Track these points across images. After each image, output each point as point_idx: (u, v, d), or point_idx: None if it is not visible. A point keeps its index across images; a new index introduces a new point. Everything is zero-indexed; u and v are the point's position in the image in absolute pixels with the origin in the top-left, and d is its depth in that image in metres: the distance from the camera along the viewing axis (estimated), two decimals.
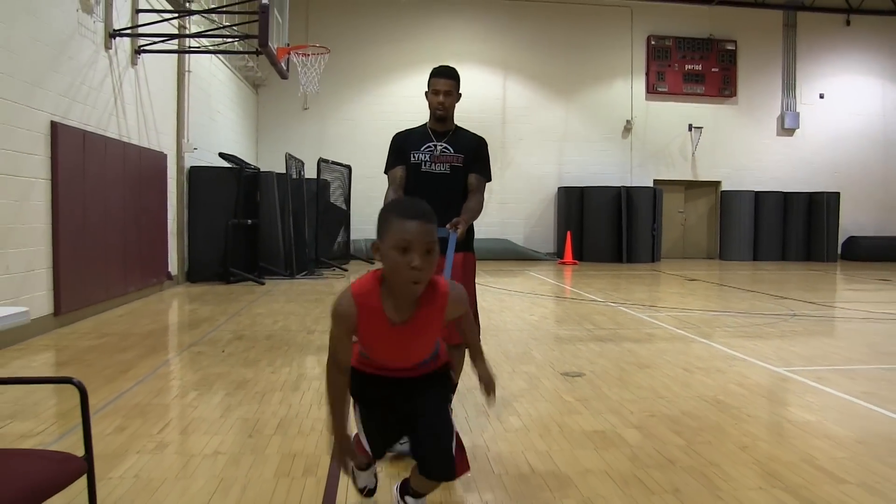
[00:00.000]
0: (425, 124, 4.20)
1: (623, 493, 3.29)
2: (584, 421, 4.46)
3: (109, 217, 8.92)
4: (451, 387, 2.81)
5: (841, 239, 21.84)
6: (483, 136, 4.28)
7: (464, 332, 2.82)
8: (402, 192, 4.00)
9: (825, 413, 4.68)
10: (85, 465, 2.26)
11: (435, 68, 4.13)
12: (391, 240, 2.27)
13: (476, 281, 4.20)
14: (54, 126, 7.49)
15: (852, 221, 22.06)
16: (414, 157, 4.08)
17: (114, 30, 8.99)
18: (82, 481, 2.29)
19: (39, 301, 7.17)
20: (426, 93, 4.12)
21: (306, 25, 18.82)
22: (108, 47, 8.96)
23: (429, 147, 4.09)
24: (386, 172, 4.16)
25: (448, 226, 3.66)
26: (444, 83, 4.05)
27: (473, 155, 4.13)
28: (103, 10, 8.76)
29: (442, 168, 4.06)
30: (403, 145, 4.14)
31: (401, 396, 2.62)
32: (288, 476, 3.44)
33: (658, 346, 7.13)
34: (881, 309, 10.19)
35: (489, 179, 4.21)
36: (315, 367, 5.91)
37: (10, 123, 6.69)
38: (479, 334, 3.04)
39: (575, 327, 8.25)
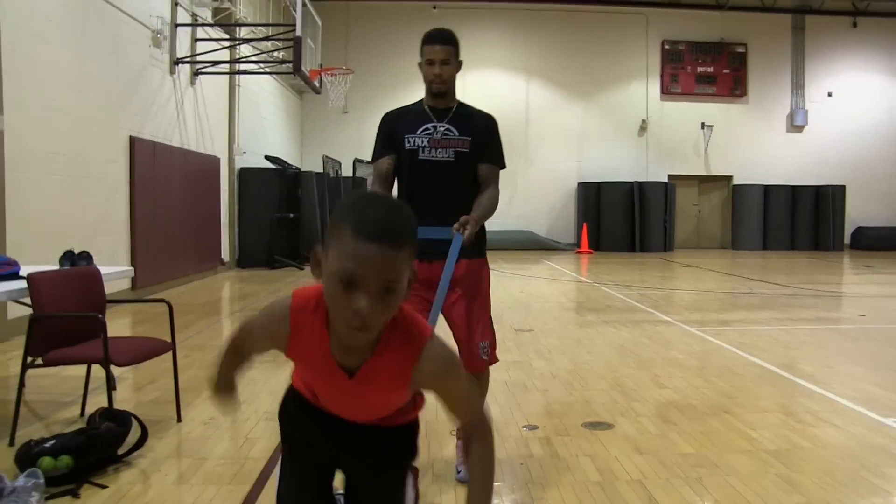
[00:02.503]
0: (421, 101, 3.43)
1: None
2: (511, 363, 6.27)
3: (173, 212, 10.97)
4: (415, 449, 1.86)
5: (849, 230, 23.05)
6: (492, 114, 3.49)
7: (465, 428, 1.71)
8: (388, 189, 3.34)
9: (691, 351, 6.46)
10: (171, 346, 4.18)
11: (426, 33, 3.37)
12: (334, 262, 1.41)
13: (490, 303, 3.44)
14: (132, 140, 9.55)
15: (861, 213, 23.18)
16: (409, 141, 3.30)
17: (177, 58, 11.03)
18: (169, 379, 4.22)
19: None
20: (419, 64, 3.35)
21: (346, 34, 20.80)
22: (172, 73, 11.01)
23: (427, 129, 3.31)
24: (371, 163, 3.45)
25: (455, 226, 2.97)
26: (440, 50, 3.29)
27: (483, 138, 3.37)
28: (169, 44, 10.78)
29: (444, 154, 3.29)
30: (395, 128, 3.37)
31: (345, 451, 1.82)
32: None
33: (608, 314, 8.90)
34: (831, 288, 11.77)
35: (503, 167, 3.44)
36: None
37: (100, 139, 8.71)
38: (484, 416, 1.72)
39: (548, 299, 10.05)
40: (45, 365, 3.64)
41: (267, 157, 15.41)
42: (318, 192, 15.72)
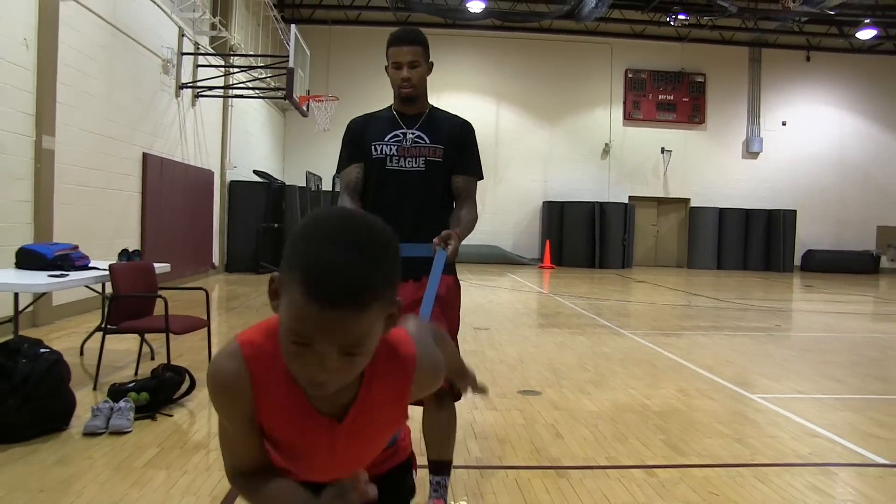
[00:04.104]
0: (390, 107, 3.23)
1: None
2: (467, 352, 7.60)
3: (175, 220, 12.20)
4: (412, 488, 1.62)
5: (800, 252, 24.64)
6: (468, 121, 3.28)
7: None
8: (357, 200, 3.10)
9: (618, 347, 7.84)
10: (207, 322, 5.47)
11: (392, 34, 3.14)
12: (284, 315, 1.11)
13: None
14: (144, 156, 10.80)
15: (810, 236, 24.79)
16: (376, 149, 3.10)
17: (182, 83, 12.29)
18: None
19: None
20: (385, 67, 3.15)
21: (328, 56, 22.15)
22: (177, 96, 12.27)
23: (396, 136, 3.11)
24: (337, 173, 3.21)
25: (435, 240, 2.65)
26: (407, 51, 3.06)
27: (457, 146, 3.15)
28: (175, 71, 12.04)
29: (414, 164, 3.08)
30: (361, 135, 3.16)
31: None
32: None
33: (556, 318, 10.28)
34: (763, 304, 13.24)
35: (481, 177, 3.22)
36: None
37: (118, 155, 9.96)
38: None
39: (506, 306, 11.41)
40: (118, 332, 4.93)
41: (255, 172, 16.69)
42: (301, 204, 17.00)
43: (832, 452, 4.33)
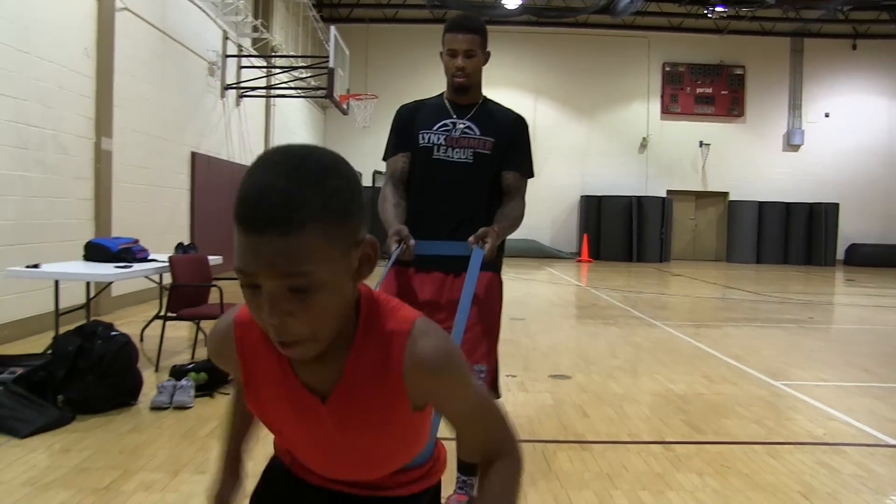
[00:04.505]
0: (441, 95, 3.11)
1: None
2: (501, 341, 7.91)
3: (222, 215, 12.67)
4: None
5: (843, 246, 24.39)
6: (521, 115, 3.14)
7: (465, 444, 1.27)
8: (402, 191, 2.98)
9: (649, 337, 8.11)
10: None
11: (450, 19, 3.04)
12: (235, 259, 1.01)
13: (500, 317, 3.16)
14: (193, 155, 11.29)
15: (854, 230, 24.38)
16: (424, 138, 2.98)
17: (227, 84, 12.77)
18: None
19: None
20: (440, 53, 3.02)
21: (366, 54, 22.56)
22: (222, 97, 12.76)
23: (445, 125, 2.98)
24: (384, 160, 3.12)
25: (471, 239, 2.58)
26: (463, 39, 2.93)
27: (508, 140, 3.01)
28: (220, 73, 12.53)
29: (462, 155, 2.94)
30: (410, 123, 3.05)
31: None
32: None
33: (591, 310, 10.55)
34: (799, 297, 13.37)
35: (531, 175, 3.09)
36: None
37: (170, 154, 10.45)
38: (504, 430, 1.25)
39: (543, 298, 11.71)
40: (178, 319, 5.36)
41: None
42: None
43: (846, 434, 4.58)
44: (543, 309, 10.46)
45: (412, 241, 2.60)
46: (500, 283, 3.05)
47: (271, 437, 1.36)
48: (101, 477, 3.41)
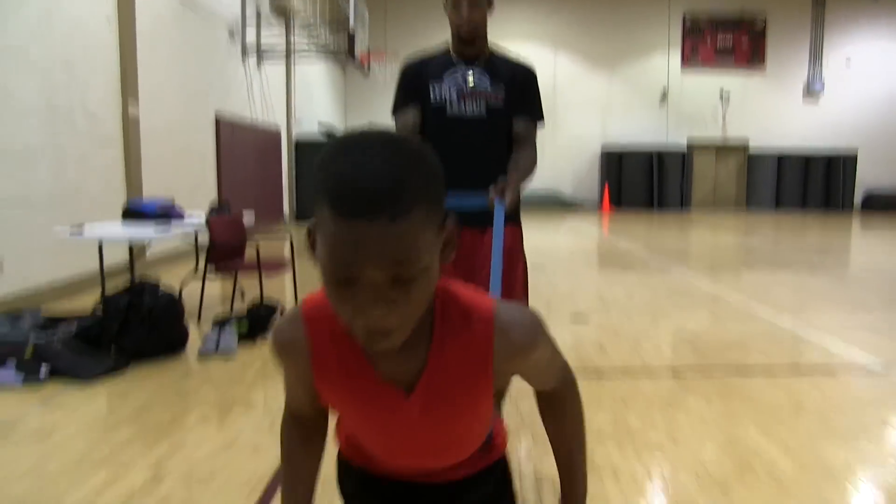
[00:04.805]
0: (447, 49, 3.01)
1: None
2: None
3: (247, 176, 13.06)
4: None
5: (860, 193, 24.45)
6: (531, 64, 3.07)
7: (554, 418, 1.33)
8: None
9: (664, 279, 8.39)
10: (291, 263, 6.21)
11: None
12: (321, 252, 0.94)
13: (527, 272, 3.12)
14: (217, 117, 11.60)
15: (872, 177, 24.44)
16: (435, 93, 2.89)
17: (247, 47, 13.03)
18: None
19: None
20: (444, 5, 2.92)
21: (384, 14, 22.63)
22: (244, 60, 13.02)
23: (454, 77, 2.90)
24: (393, 115, 3.03)
25: (492, 191, 2.53)
26: None
27: (519, 88, 2.94)
28: (241, 36, 12.79)
29: (475, 110, 2.87)
30: (417, 78, 2.97)
31: None
32: None
33: (609, 257, 10.82)
34: (809, 242, 13.55)
35: (542, 122, 3.02)
36: None
37: (194, 118, 10.79)
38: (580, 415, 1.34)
39: (562, 246, 12.01)
40: (218, 272, 5.72)
41: (319, 123, 17.48)
42: None
43: (839, 362, 4.88)
44: (564, 257, 10.75)
45: None
46: (521, 234, 3.00)
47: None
48: (161, 414, 3.79)
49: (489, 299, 1.12)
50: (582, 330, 5.82)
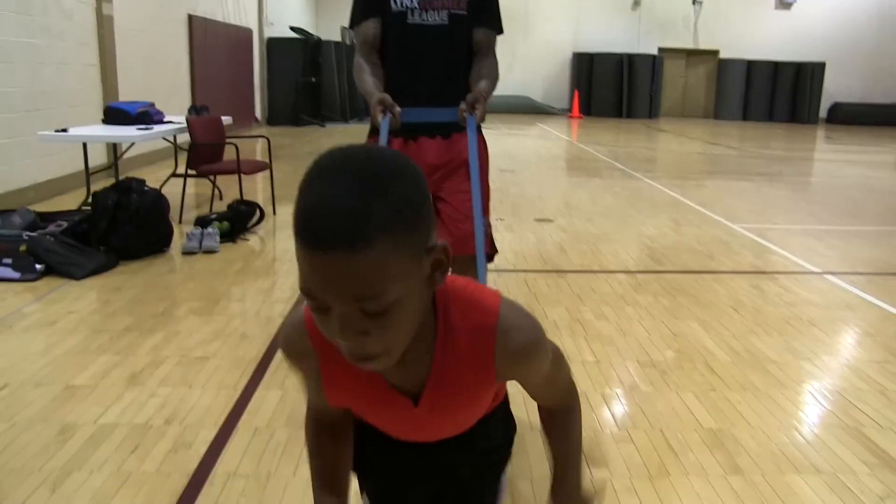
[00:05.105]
0: None
1: None
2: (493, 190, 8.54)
3: (221, 77, 13.05)
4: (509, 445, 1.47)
5: (826, 104, 24.73)
6: None
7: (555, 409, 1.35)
8: (375, 59, 2.82)
9: (624, 185, 8.75)
10: (269, 165, 6.46)
11: None
12: (300, 281, 0.91)
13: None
14: (190, 17, 11.55)
15: (839, 89, 24.54)
16: (395, 1, 2.76)
17: None
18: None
19: None
20: None
21: None
22: None
23: None
24: (352, 27, 2.95)
25: (462, 106, 2.56)
26: None
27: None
28: None
29: (437, 17, 2.77)
30: None
31: (428, 470, 1.39)
32: None
33: (576, 162, 11.15)
34: (772, 152, 13.96)
35: (501, 32, 2.93)
36: None
37: (167, 18, 10.74)
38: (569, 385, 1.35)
39: (531, 151, 12.29)
40: (197, 175, 5.96)
41: (292, 28, 17.30)
42: (337, 58, 17.72)
43: (780, 265, 5.34)
44: (532, 162, 11.05)
45: (397, 109, 2.55)
46: (486, 145, 2.90)
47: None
48: (154, 305, 4.11)
49: (494, 302, 1.10)
50: (545, 231, 6.18)
